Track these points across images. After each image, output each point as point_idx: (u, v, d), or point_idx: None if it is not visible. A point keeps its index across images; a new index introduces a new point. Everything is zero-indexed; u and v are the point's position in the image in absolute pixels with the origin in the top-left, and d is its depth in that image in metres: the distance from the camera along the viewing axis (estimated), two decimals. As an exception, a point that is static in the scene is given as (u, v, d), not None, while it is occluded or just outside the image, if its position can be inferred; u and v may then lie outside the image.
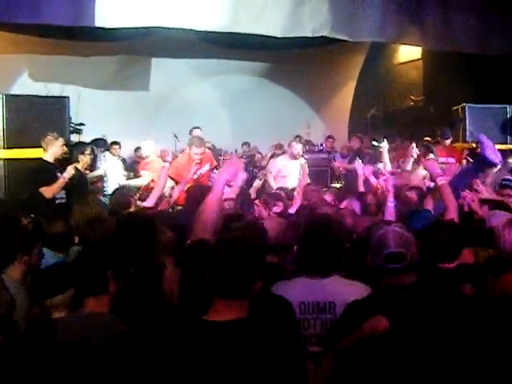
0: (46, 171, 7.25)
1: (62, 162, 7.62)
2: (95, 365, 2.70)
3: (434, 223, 4.28)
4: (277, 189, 7.84)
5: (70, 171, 7.17)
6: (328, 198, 7.13)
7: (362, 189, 7.12)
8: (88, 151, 8.22)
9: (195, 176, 7.93)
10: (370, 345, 2.60)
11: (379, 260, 2.87)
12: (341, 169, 11.72)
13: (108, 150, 9.87)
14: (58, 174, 7.30)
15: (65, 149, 7.50)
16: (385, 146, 9.25)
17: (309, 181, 8.99)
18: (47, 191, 6.98)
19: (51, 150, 7.32)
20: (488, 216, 5.09)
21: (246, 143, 13.71)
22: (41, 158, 7.34)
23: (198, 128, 10.77)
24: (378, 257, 2.87)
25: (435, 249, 3.88)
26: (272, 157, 11.26)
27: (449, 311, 2.73)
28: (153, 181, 8.49)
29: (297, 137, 12.04)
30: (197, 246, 3.58)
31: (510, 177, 6.75)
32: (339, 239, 3.63)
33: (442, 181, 5.08)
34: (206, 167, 8.32)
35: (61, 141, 7.41)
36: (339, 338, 2.75)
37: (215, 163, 8.95)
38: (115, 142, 11.59)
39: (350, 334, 2.68)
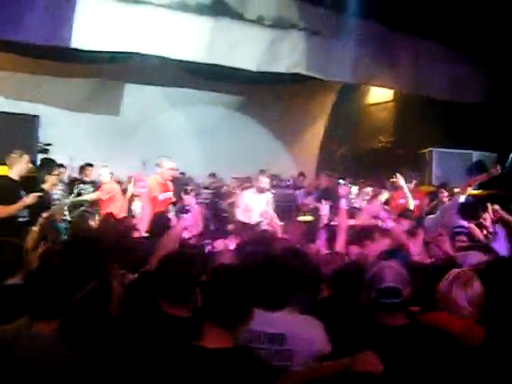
0: (8, 189, 7.12)
1: (28, 181, 7.52)
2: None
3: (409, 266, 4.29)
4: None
5: (32, 198, 6.99)
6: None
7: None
8: (56, 171, 8.16)
9: (161, 198, 7.96)
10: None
11: (374, 294, 2.87)
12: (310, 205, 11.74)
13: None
14: (22, 192, 7.19)
15: (30, 166, 7.38)
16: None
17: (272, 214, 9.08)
18: (1, 210, 6.81)
19: (16, 168, 7.20)
20: (462, 256, 5.13)
21: (213, 174, 13.67)
22: (6, 176, 7.20)
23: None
24: (373, 291, 2.87)
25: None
26: (239, 188, 11.29)
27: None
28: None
29: (262, 171, 12.03)
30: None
31: (462, 224, 6.89)
32: (293, 274, 3.53)
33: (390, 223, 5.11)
34: (170, 194, 8.35)
35: (25, 158, 7.29)
36: None
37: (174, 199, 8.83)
38: (89, 164, 11.49)
39: (330, 363, 2.65)
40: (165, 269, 3.15)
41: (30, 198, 6.99)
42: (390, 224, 5.69)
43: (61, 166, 10.83)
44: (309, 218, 9.69)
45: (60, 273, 3.20)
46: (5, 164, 7.26)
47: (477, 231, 6.57)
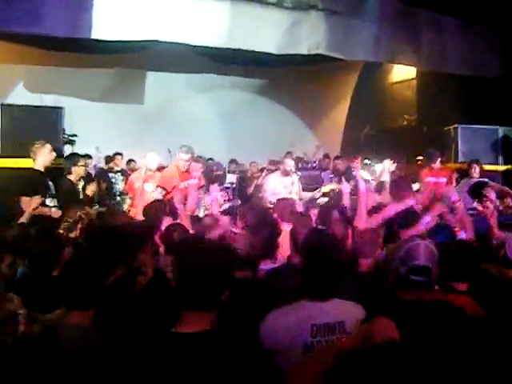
0: (35, 180, 7.16)
1: (55, 171, 7.57)
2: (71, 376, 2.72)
3: (453, 242, 4.29)
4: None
5: (55, 214, 6.93)
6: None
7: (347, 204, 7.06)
8: (81, 162, 8.23)
9: (182, 185, 7.97)
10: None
11: (404, 270, 2.89)
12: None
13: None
14: (50, 183, 7.26)
15: (53, 154, 7.36)
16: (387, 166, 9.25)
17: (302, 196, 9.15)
18: (26, 203, 6.73)
19: (40, 158, 7.20)
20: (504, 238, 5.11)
21: (234, 160, 13.51)
22: (31, 168, 7.23)
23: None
24: (404, 267, 2.90)
25: (451, 266, 3.83)
26: (262, 171, 11.31)
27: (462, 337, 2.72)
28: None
29: (288, 153, 12.05)
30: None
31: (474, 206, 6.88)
32: (341, 264, 3.57)
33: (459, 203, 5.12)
34: (194, 181, 8.21)
35: (47, 147, 7.27)
36: None
37: (202, 183, 8.76)
38: (118, 153, 11.63)
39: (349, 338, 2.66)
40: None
41: (53, 213, 6.96)
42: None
43: (87, 156, 10.99)
44: (332, 186, 9.66)
45: (90, 262, 3.26)
46: (29, 157, 7.26)
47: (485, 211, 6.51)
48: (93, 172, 10.91)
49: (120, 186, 10.89)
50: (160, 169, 9.62)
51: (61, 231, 5.61)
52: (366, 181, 8.69)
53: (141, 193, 8.43)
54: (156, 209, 6.26)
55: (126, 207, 9.56)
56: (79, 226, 5.84)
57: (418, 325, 2.71)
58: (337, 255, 3.55)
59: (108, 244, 4.00)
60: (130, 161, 12.12)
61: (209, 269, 2.44)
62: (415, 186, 8.81)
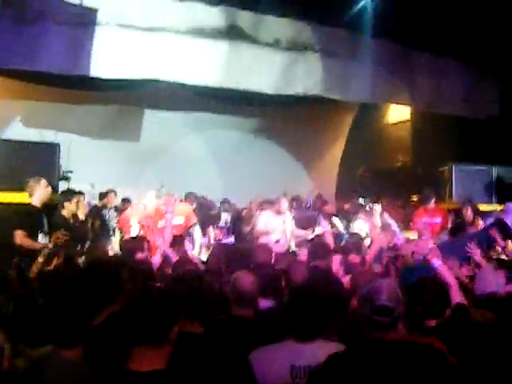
0: (32, 216, 7.16)
1: (50, 207, 7.58)
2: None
3: (420, 281, 4.27)
4: None
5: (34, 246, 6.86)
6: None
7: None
8: (75, 199, 8.23)
9: (160, 225, 7.89)
10: None
11: (367, 311, 2.86)
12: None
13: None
14: (44, 220, 7.25)
15: (49, 189, 7.41)
16: (377, 209, 9.32)
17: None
18: (22, 239, 6.78)
19: (37, 194, 7.23)
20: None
21: (226, 200, 13.49)
22: (29, 204, 7.26)
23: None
24: (367, 308, 2.87)
25: (422, 306, 3.86)
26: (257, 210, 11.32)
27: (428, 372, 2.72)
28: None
29: (284, 194, 12.05)
30: None
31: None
32: (326, 303, 3.58)
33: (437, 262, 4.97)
34: (179, 220, 8.18)
35: (43, 182, 7.31)
36: None
37: (193, 221, 8.76)
38: (112, 190, 11.62)
39: None
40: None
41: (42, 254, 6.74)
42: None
43: (79, 193, 10.95)
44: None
45: (78, 300, 3.24)
46: (25, 191, 7.28)
47: None
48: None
49: (113, 222, 10.86)
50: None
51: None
52: (335, 228, 8.89)
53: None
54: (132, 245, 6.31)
55: (116, 244, 9.46)
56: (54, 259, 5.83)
57: (381, 364, 2.71)
58: (323, 294, 3.58)
59: (99, 281, 3.97)
60: (124, 200, 12.08)
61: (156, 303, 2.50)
62: (411, 235, 8.86)
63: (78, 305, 3.17)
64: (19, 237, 6.80)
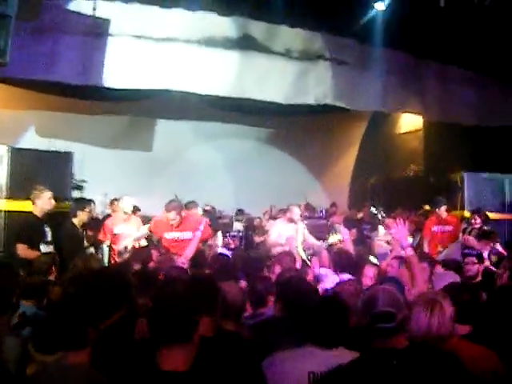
0: (31, 226, 7.22)
1: (53, 217, 7.59)
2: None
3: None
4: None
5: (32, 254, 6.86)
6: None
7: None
8: (87, 209, 8.26)
9: (169, 237, 7.81)
10: None
11: (367, 319, 2.81)
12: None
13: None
14: (46, 229, 7.28)
15: (53, 203, 7.40)
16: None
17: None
18: (22, 251, 6.85)
19: (39, 203, 7.27)
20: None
21: (241, 211, 13.47)
22: (31, 212, 7.31)
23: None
24: (366, 316, 2.82)
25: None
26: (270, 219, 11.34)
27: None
28: None
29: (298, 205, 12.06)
30: None
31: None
32: (347, 311, 3.49)
33: (410, 252, 5.05)
34: (187, 235, 7.74)
35: (47, 195, 7.33)
36: None
37: (207, 233, 8.04)
38: (116, 199, 11.59)
39: None
40: None
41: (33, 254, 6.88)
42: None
43: (91, 201, 10.96)
44: (339, 236, 9.66)
45: (79, 303, 3.28)
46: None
47: None
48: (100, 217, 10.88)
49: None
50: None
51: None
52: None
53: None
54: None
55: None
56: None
57: (386, 374, 2.64)
58: (345, 302, 3.50)
59: (105, 287, 4.02)
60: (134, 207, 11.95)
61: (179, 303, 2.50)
62: (412, 241, 8.84)
63: (89, 308, 3.20)
64: (20, 249, 6.87)
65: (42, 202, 7.29)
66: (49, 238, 7.30)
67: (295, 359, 3.19)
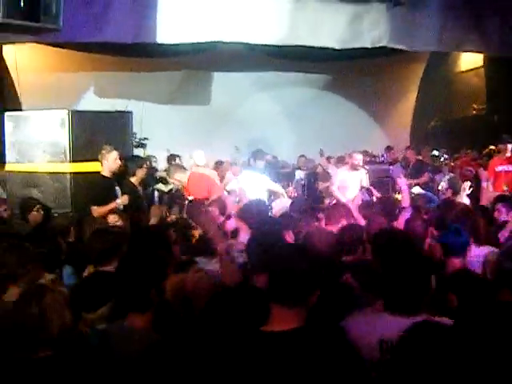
0: (102, 186, 7.40)
1: (121, 177, 7.78)
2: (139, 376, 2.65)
3: None
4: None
5: (124, 200, 7.26)
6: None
7: (406, 203, 6.65)
8: (145, 165, 8.36)
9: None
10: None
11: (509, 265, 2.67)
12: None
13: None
14: (117, 188, 7.48)
15: (119, 162, 7.53)
16: None
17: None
18: (96, 211, 6.97)
19: (106, 164, 7.41)
20: None
21: (303, 156, 13.50)
22: (99, 173, 7.48)
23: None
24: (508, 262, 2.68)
25: None
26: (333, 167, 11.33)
27: None
28: None
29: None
30: None
31: None
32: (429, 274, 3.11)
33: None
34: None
35: (114, 154, 7.44)
36: None
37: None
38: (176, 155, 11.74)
39: None
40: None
41: (122, 199, 7.26)
42: None
43: (149, 158, 11.09)
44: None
45: (150, 261, 3.19)
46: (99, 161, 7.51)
47: None
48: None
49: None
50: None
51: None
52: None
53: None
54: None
55: None
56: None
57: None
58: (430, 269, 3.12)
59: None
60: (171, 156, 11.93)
61: (306, 262, 2.46)
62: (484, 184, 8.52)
63: (145, 267, 3.12)
64: (96, 212, 6.96)
65: (110, 162, 7.41)
66: (119, 196, 7.46)
67: (369, 324, 2.91)
